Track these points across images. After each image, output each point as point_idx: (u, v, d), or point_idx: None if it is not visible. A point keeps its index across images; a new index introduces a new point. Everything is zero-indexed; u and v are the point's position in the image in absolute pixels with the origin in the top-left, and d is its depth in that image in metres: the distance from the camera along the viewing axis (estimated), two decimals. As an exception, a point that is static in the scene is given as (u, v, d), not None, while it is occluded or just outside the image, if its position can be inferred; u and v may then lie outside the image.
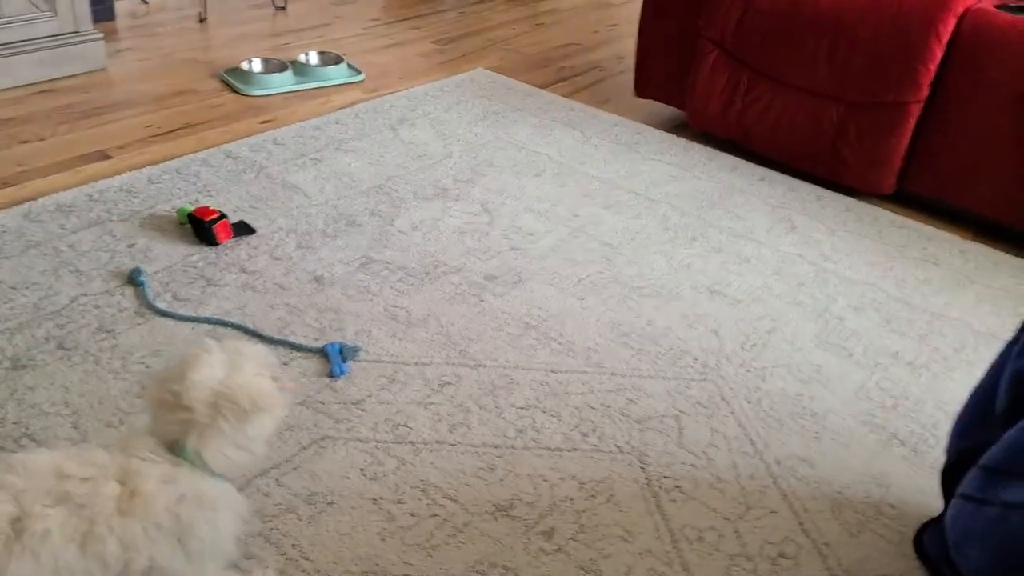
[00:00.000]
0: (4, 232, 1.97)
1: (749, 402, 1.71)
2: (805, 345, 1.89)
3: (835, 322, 1.98)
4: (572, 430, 1.60)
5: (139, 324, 1.74)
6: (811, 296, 2.07)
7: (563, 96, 3.10)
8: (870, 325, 1.98)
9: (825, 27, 2.40)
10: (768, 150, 2.66)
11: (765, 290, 2.08)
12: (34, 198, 2.12)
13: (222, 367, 1.06)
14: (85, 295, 1.80)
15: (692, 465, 1.54)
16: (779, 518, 1.45)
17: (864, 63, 2.37)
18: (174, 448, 1.04)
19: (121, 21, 3.36)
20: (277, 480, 1.42)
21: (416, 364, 1.72)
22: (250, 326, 1.76)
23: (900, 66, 2.31)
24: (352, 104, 2.86)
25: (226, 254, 1.99)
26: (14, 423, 1.47)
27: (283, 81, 2.94)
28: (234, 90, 2.89)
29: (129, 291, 1.83)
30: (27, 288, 1.80)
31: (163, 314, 1.76)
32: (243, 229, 2.06)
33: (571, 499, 1.45)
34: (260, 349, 1.13)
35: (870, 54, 2.35)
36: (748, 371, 1.80)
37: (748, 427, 1.65)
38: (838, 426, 1.67)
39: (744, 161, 2.71)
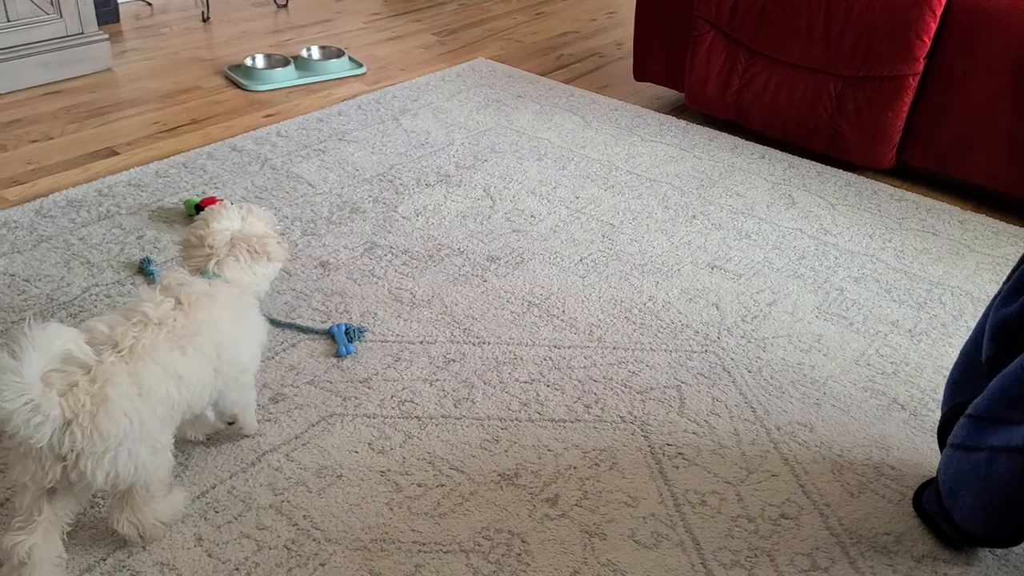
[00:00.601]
0: (17, 228, 2.01)
1: (750, 371, 1.73)
2: (805, 316, 1.92)
3: (835, 293, 2.00)
4: (575, 402, 1.63)
5: (150, 311, 1.77)
6: (811, 268, 2.09)
7: (563, 83, 3.12)
8: (870, 295, 2.00)
9: (818, 3, 2.42)
10: (767, 128, 2.68)
11: (765, 264, 2.10)
12: (45, 195, 2.16)
13: (238, 220, 1.37)
14: (96, 285, 1.84)
15: (694, 433, 1.57)
16: (780, 481, 1.48)
17: (859, 38, 2.38)
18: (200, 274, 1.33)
19: (126, 23, 3.41)
20: (287, 455, 1.46)
21: (421, 343, 1.76)
22: (258, 311, 1.80)
23: (895, 39, 2.33)
24: (354, 96, 2.89)
25: (233, 243, 2.02)
26: (31, 407, 1.51)
27: (286, 76, 2.97)
28: (238, 86, 2.93)
29: (140, 280, 1.87)
30: (40, 280, 1.84)
31: (173, 301, 1.80)
32: (249, 218, 2.09)
33: (575, 467, 1.48)
34: (267, 212, 1.43)
35: (865, 28, 2.37)
36: (749, 342, 1.82)
37: (749, 395, 1.67)
38: (839, 392, 1.69)
39: (744, 140, 2.73)
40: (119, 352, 1.13)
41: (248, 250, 1.35)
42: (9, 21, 2.64)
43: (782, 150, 2.68)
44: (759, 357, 1.78)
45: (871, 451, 1.55)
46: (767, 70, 2.58)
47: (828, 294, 2.00)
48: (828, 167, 2.59)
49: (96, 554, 1.26)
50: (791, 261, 2.12)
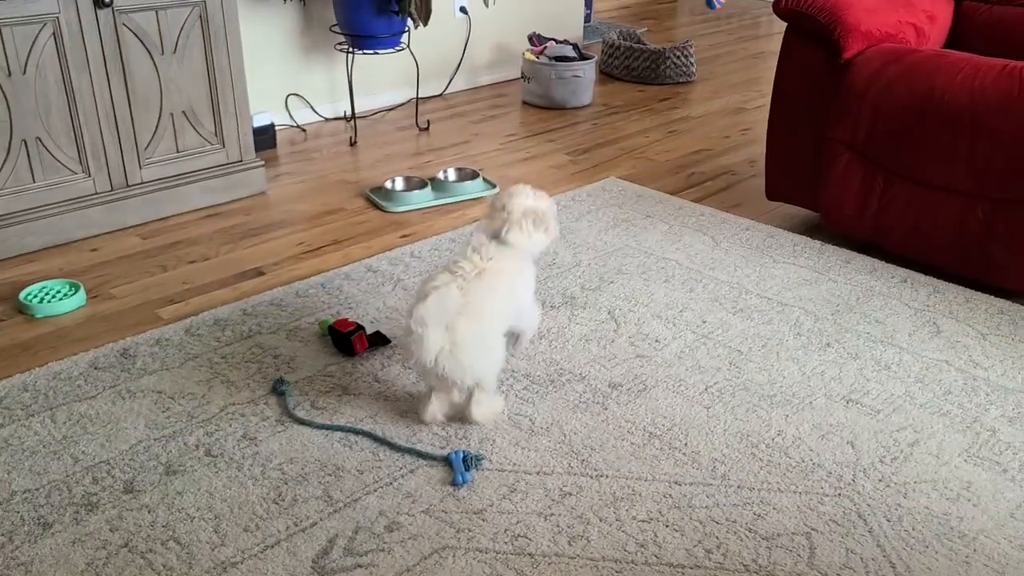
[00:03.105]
0: (168, 345, 2.16)
1: (889, 520, 1.61)
2: (952, 459, 1.77)
3: (987, 434, 1.85)
4: (695, 546, 1.55)
5: (279, 432, 1.84)
6: (959, 405, 1.94)
7: (693, 202, 3.12)
8: (1028, 437, 1.83)
9: (961, 124, 2.32)
10: (909, 251, 2.56)
11: (907, 399, 1.97)
12: (196, 313, 2.32)
13: (532, 199, 1.95)
14: (233, 404, 1.94)
15: (825, 588, 1.46)
16: (923, 651, 1.34)
17: (1008, 159, 2.26)
18: (494, 237, 1.92)
19: (282, 147, 3.68)
20: (397, 589, 1.45)
21: (538, 473, 1.74)
22: (380, 434, 1.83)
23: (1049, 160, 2.20)
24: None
25: (361, 364, 2.09)
26: (163, 526, 1.58)
27: (422, 197, 3.11)
28: (378, 207, 3.08)
29: (272, 400, 1.95)
30: (183, 398, 1.96)
31: (301, 422, 1.87)
32: (378, 340, 2.17)
33: (692, 620, 1.40)
34: (551, 200, 2.00)
35: (1014, 149, 2.25)
36: (888, 487, 1.69)
37: (888, 548, 1.54)
38: (991, 550, 1.54)
39: (883, 263, 2.61)
40: (464, 305, 1.74)
41: (534, 221, 1.92)
42: (179, 152, 2.91)
43: (926, 273, 2.54)
44: (899, 504, 1.65)
45: (1031, 622, 1.39)
46: (907, 192, 2.48)
47: (978, 435, 1.84)
48: (978, 292, 2.43)
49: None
50: (936, 396, 1.98)
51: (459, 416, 1.87)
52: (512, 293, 1.88)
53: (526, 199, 1.93)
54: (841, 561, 1.52)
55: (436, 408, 1.85)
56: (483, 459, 1.77)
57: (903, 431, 1.86)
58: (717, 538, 1.57)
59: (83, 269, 2.58)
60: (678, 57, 4.66)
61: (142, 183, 2.85)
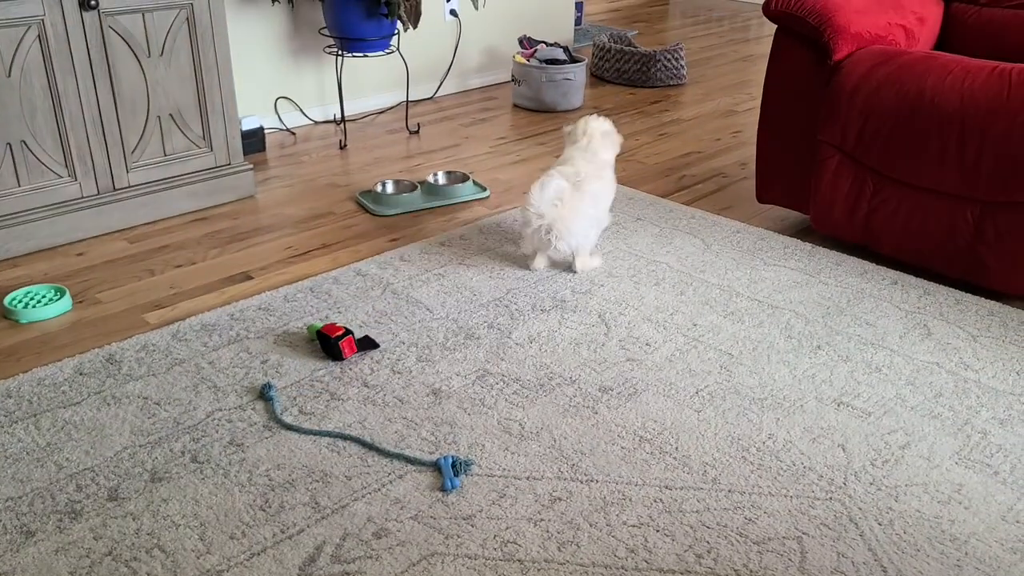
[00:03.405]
0: (154, 351, 2.14)
1: (880, 524, 1.60)
2: (943, 462, 1.76)
3: (978, 437, 1.84)
4: (686, 551, 1.54)
5: (266, 438, 1.83)
6: (950, 408, 1.94)
7: (684, 204, 3.11)
8: (1018, 440, 1.83)
9: (950, 127, 2.32)
10: (899, 253, 2.55)
11: (898, 401, 1.96)
12: (183, 318, 2.30)
13: (603, 123, 2.71)
14: (220, 410, 1.92)
15: (816, 593, 1.45)
16: (914, 656, 1.33)
17: (997, 161, 2.26)
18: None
19: (271, 151, 3.66)
20: (385, 597, 1.44)
21: (527, 478, 1.72)
22: (368, 439, 1.82)
23: (1038, 162, 2.19)
24: (476, 220, 2.97)
25: (350, 368, 2.08)
26: (148, 534, 1.56)
27: (412, 201, 3.09)
28: (367, 211, 3.07)
29: (259, 405, 1.93)
30: (169, 404, 1.94)
31: (288, 428, 1.85)
32: (367, 344, 2.15)
33: (683, 626, 1.39)
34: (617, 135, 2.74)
35: (1003, 152, 2.25)
36: (879, 490, 1.68)
37: (879, 552, 1.54)
38: (983, 553, 1.53)
39: (874, 265, 2.61)
40: (572, 193, 2.46)
41: (608, 139, 2.68)
42: (166, 155, 2.89)
43: (916, 275, 2.54)
44: (890, 508, 1.64)
45: (1023, 626, 1.38)
46: (897, 194, 2.48)
47: (969, 437, 1.84)
48: (968, 295, 2.43)
49: None
50: (927, 399, 1.97)
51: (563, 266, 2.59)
52: (604, 189, 2.61)
53: (600, 123, 2.69)
54: (832, 565, 1.51)
55: (540, 262, 2.59)
56: (472, 464, 1.75)
57: (894, 434, 1.85)
58: (708, 543, 1.56)
59: (69, 274, 2.55)
60: (669, 60, 4.66)
61: (129, 187, 2.83)
